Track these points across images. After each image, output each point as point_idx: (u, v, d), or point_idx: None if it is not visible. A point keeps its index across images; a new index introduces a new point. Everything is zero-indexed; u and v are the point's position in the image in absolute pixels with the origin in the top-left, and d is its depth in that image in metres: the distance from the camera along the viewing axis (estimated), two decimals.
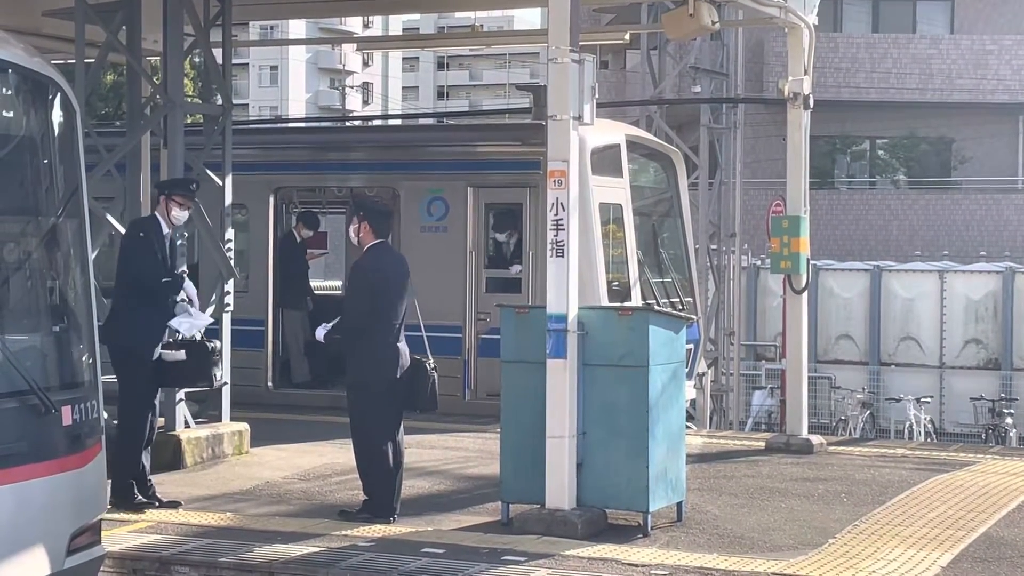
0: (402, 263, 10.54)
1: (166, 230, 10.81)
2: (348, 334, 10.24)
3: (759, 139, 32.95)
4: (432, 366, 10.29)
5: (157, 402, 10.85)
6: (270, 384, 17.09)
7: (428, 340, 10.36)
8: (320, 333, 10.44)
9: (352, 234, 10.47)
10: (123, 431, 10.40)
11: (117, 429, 10.32)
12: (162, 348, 10.69)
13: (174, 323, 10.77)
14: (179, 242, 12.37)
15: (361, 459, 10.32)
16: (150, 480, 10.74)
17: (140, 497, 10.54)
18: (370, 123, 43.79)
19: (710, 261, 23.41)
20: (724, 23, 20.01)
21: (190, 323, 10.79)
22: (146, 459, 10.72)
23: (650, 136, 18.93)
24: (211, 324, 11.50)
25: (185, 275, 11.16)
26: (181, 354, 10.67)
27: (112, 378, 10.16)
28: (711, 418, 21.92)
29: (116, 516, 10.07)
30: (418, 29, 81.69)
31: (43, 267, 7.71)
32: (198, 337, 11.04)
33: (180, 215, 10.92)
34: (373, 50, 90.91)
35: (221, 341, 12.76)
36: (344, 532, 9.87)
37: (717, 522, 10.39)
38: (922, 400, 23.20)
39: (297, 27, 76.24)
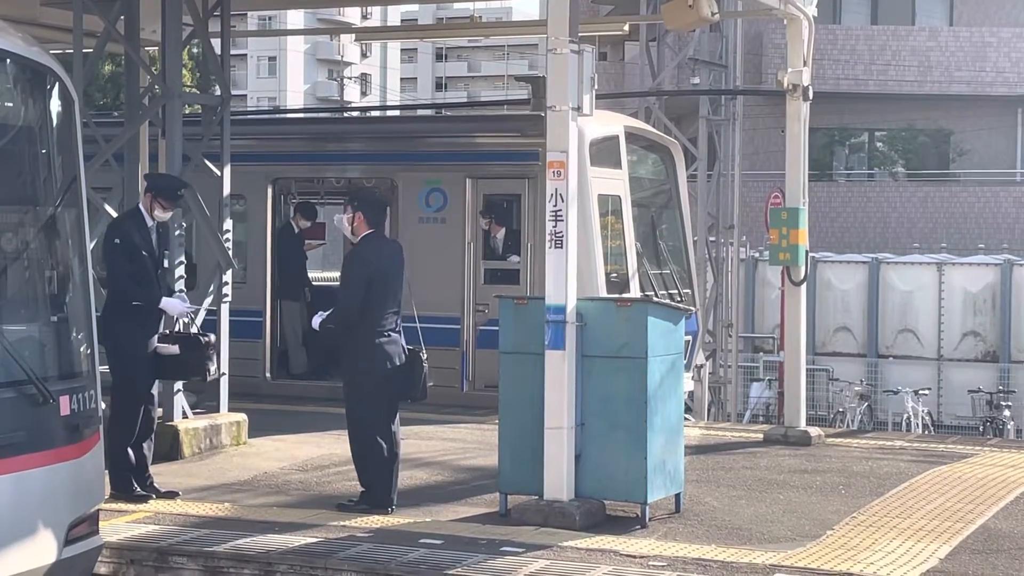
0: (397, 252, 10.49)
1: (150, 223, 10.64)
2: (342, 324, 10.18)
3: (758, 131, 32.94)
4: (424, 357, 10.26)
5: (155, 393, 10.84)
6: (268, 375, 17.08)
7: (426, 331, 10.33)
8: (316, 321, 10.37)
9: (346, 223, 10.36)
10: (113, 424, 10.36)
11: (108, 421, 10.29)
12: (157, 342, 10.64)
13: (164, 304, 10.61)
14: (177, 232, 12.36)
15: (357, 450, 10.29)
16: (148, 471, 10.74)
17: (138, 488, 10.53)
18: (368, 114, 43.75)
19: (708, 253, 23.39)
20: (723, 14, 20.00)
21: (182, 307, 10.72)
22: (148, 450, 10.72)
23: (649, 128, 18.91)
24: (195, 310, 11.40)
25: (173, 291, 11.11)
26: (175, 348, 10.61)
27: (107, 369, 10.14)
28: (709, 410, 21.91)
29: (114, 506, 10.07)
30: (416, 20, 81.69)
31: (41, 257, 7.71)
32: (194, 328, 11.02)
33: (162, 216, 10.75)
34: (371, 41, 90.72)
35: (219, 332, 12.75)
36: (342, 523, 9.87)
37: (715, 513, 10.39)
38: (920, 392, 23.20)
39: (295, 18, 76.19)
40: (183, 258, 12.64)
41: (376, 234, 10.33)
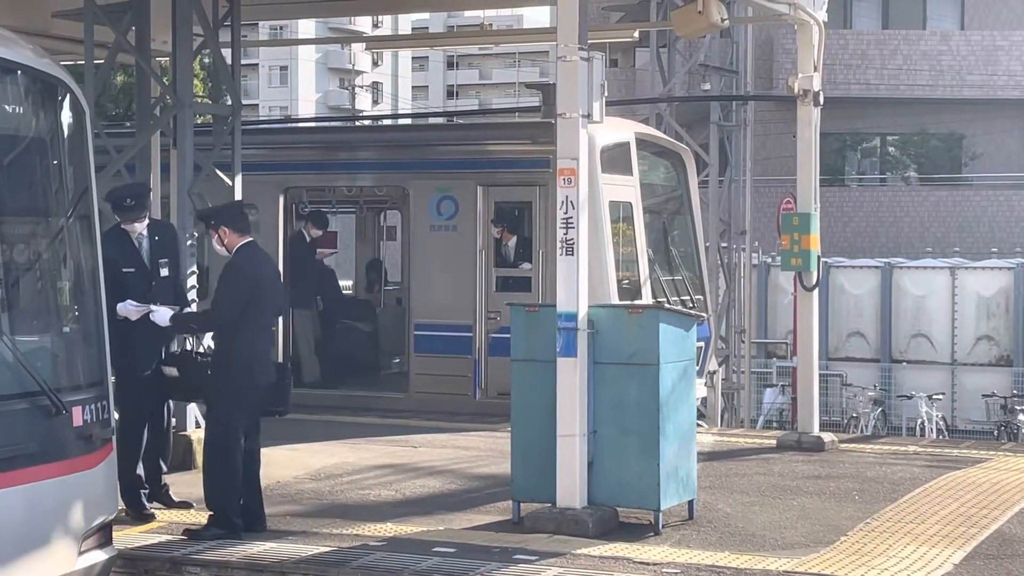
0: (274, 264, 10.14)
1: (136, 235, 10.40)
2: (208, 328, 9.88)
3: (769, 136, 32.91)
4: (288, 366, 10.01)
5: (166, 408, 10.77)
6: None
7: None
8: (165, 315, 9.92)
9: (216, 245, 9.90)
10: (119, 441, 10.26)
11: (117, 437, 10.21)
12: (162, 363, 10.53)
13: (118, 308, 10.32)
14: (188, 243, 12.33)
15: (214, 467, 9.78)
16: (164, 481, 10.72)
17: (147, 507, 10.41)
18: (379, 123, 43.84)
19: (721, 259, 23.38)
20: (733, 20, 20.00)
21: (136, 308, 10.27)
22: (163, 461, 10.69)
23: (660, 134, 18.92)
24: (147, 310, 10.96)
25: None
26: (173, 370, 10.47)
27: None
28: (722, 416, 21.89)
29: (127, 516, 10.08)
30: (427, 28, 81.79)
31: (53, 268, 7.72)
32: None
33: (131, 228, 10.39)
34: (382, 49, 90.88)
35: None
36: (355, 532, 9.87)
37: (729, 520, 10.37)
38: (934, 397, 23.15)
39: (306, 27, 76.31)
40: (195, 267, 12.63)
41: (251, 245, 9.87)
